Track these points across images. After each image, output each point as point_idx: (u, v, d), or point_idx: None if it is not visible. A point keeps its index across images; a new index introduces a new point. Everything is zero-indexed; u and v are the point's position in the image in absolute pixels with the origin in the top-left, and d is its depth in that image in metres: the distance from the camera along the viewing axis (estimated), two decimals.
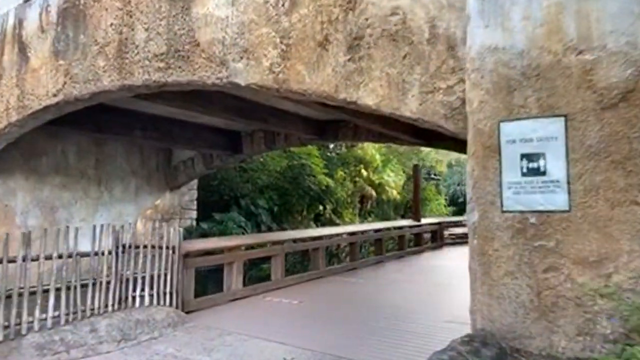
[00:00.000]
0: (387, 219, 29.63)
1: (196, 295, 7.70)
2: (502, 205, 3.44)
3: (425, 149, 33.44)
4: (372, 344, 5.76)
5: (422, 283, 8.75)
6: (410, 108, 4.40)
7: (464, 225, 17.00)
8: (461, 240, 16.65)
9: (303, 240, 10.17)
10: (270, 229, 19.19)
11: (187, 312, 7.26)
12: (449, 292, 7.61)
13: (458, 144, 4.54)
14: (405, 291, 7.93)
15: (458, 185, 54.70)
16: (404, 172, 30.62)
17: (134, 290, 7.13)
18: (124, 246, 7.08)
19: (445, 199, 40.63)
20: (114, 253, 6.94)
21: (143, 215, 11.03)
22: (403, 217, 32.17)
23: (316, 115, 10.65)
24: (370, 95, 4.61)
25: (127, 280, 7.06)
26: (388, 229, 12.22)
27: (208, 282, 9.57)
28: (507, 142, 3.44)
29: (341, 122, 11.20)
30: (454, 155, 49.16)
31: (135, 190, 11.13)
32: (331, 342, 5.76)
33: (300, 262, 14.34)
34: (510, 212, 3.39)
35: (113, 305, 6.83)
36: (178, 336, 6.45)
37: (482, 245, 3.51)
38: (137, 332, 6.47)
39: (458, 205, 48.43)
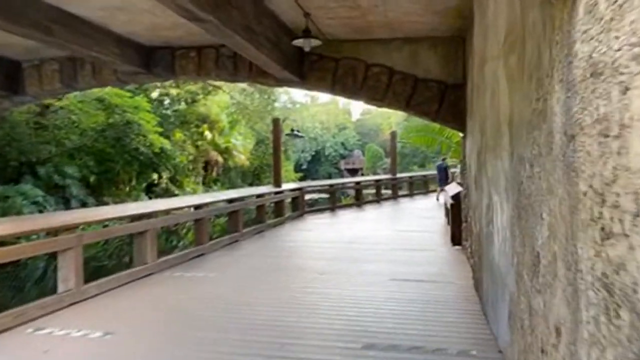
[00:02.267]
0: (235, 187, 26.77)
1: None
2: None
3: (282, 107, 30.99)
4: None
5: (294, 271, 6.29)
6: None
7: (322, 191, 15.10)
8: (321, 207, 14.86)
9: (119, 220, 6.79)
10: (84, 205, 14.75)
11: None
12: (339, 286, 5.21)
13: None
14: (278, 289, 5.35)
15: (302, 152, 54.82)
16: (253, 135, 27.90)
17: None
18: None
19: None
20: None
21: None
22: (251, 185, 29.66)
23: (141, 33, 7.17)
24: None
25: None
26: (245, 198, 9.42)
27: None
28: None
29: (178, 50, 7.88)
30: (299, 123, 48.18)
31: None
32: None
33: (117, 256, 10.71)
34: None
35: None
36: None
37: None
38: None
39: (302, 171, 48.41)
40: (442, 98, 7.10)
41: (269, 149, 30.63)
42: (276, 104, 36.82)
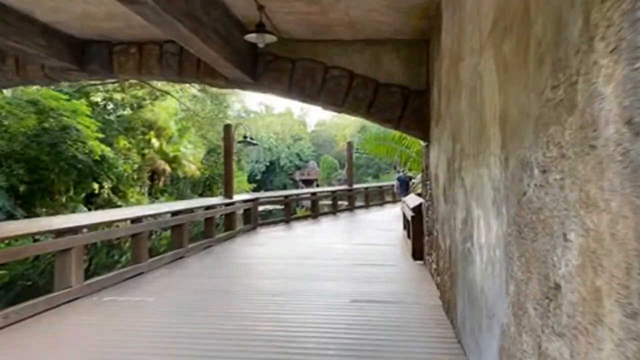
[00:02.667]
0: (184, 198, 25.51)
1: None
2: None
3: (236, 116, 29.86)
4: None
5: (245, 294, 5.56)
6: None
7: (277, 202, 14.43)
8: (275, 219, 14.18)
9: (34, 237, 5.81)
10: (12, 217, 13.32)
11: None
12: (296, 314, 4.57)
13: None
14: (227, 316, 4.61)
15: (256, 162, 53.76)
16: (204, 144, 26.79)
17: None
18: None
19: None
20: None
21: None
22: (201, 195, 28.43)
23: (72, 24, 6.33)
24: None
25: None
26: (192, 210, 8.64)
27: None
28: None
29: (117, 45, 7.08)
30: (253, 132, 47.27)
31: None
32: None
33: (50, 273, 9.52)
34: None
35: None
36: None
37: None
38: None
39: (256, 182, 47.36)
40: (405, 104, 6.71)
41: (221, 158, 29.74)
42: (230, 113, 35.93)
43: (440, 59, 5.20)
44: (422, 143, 7.23)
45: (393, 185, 21.36)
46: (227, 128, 10.75)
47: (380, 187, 20.17)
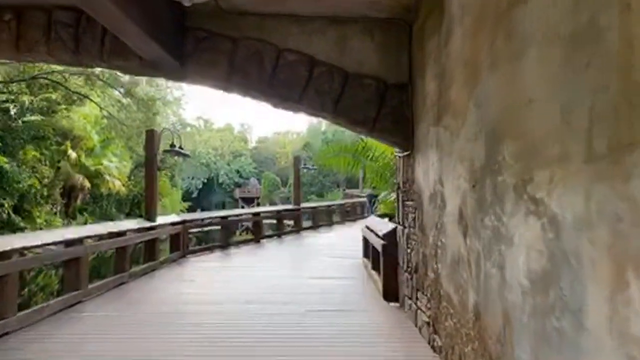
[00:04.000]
0: (108, 218, 22.53)
1: None
2: None
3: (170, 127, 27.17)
4: None
5: None
6: None
7: (211, 224, 12.34)
8: (210, 245, 12.13)
9: None
10: None
11: None
12: None
13: None
14: None
15: (192, 178, 50.61)
16: (131, 157, 24.01)
17: None
18: None
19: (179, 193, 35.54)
20: None
21: None
22: (129, 215, 25.45)
23: None
24: None
25: None
26: (92, 237, 6.55)
27: None
28: None
29: None
30: (189, 147, 44.54)
31: None
32: None
33: None
34: None
35: None
36: None
37: None
38: None
39: (192, 200, 44.28)
40: (381, 102, 5.16)
41: None
42: (164, 125, 33.14)
43: (445, 31, 3.70)
44: (398, 153, 5.71)
45: (343, 205, 19.96)
46: (151, 134, 8.68)
47: (329, 206, 18.60)
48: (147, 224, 8.48)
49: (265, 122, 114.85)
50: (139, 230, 8.12)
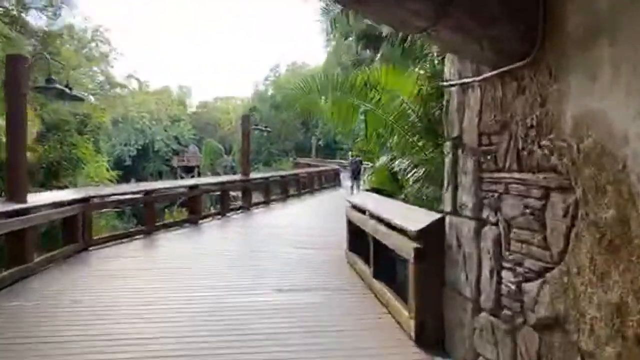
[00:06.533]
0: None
1: None
2: None
3: (96, 87, 22.25)
4: None
5: None
6: None
7: (131, 200, 9.09)
8: (125, 230, 8.93)
9: None
10: None
11: None
12: None
13: None
14: None
15: (125, 145, 45.59)
16: (38, 116, 19.64)
17: None
18: None
19: (109, 161, 31.07)
20: None
21: None
22: (42, 187, 21.21)
23: None
24: None
25: None
26: None
27: None
28: None
29: None
30: (120, 110, 39.65)
31: None
32: None
33: None
34: None
35: None
36: None
37: None
38: None
39: (125, 169, 39.64)
40: None
41: (72, 136, 22.49)
42: (84, 80, 28.29)
43: None
44: (461, 78, 2.94)
45: (312, 174, 17.30)
46: (14, 62, 5.22)
47: (283, 177, 15.69)
48: (9, 207, 5.24)
49: (207, 86, 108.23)
50: None
